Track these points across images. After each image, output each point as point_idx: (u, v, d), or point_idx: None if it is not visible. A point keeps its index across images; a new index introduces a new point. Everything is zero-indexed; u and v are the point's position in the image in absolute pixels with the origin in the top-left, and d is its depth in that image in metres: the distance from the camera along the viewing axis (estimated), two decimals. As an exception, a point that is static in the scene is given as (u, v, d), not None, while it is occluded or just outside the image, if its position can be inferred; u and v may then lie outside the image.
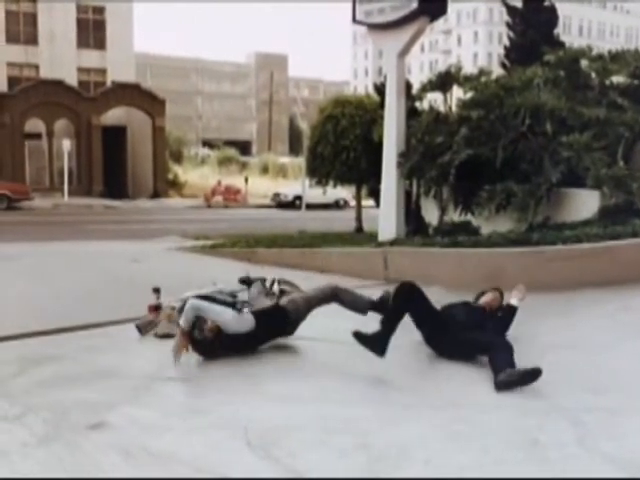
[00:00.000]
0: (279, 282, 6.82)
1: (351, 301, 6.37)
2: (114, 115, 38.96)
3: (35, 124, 36.97)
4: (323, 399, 4.82)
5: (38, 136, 37.44)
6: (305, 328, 6.22)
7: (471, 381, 5.15)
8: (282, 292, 6.59)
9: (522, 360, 5.10)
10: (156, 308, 6.64)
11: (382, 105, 13.08)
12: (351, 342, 5.44)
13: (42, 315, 7.54)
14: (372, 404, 4.74)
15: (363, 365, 5.48)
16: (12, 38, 40.28)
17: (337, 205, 36.87)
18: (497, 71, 15.70)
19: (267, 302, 6.24)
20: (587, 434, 4.08)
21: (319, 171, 16.70)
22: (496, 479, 3.56)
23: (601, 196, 9.86)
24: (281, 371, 5.52)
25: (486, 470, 3.64)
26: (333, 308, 6.29)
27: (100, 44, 42.34)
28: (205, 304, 5.73)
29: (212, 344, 5.70)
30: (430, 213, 12.35)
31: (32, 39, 40.75)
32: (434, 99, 12.87)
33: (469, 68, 15.37)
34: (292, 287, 6.81)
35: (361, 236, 14.91)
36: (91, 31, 42.32)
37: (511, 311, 6.16)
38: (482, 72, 12.51)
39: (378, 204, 13.38)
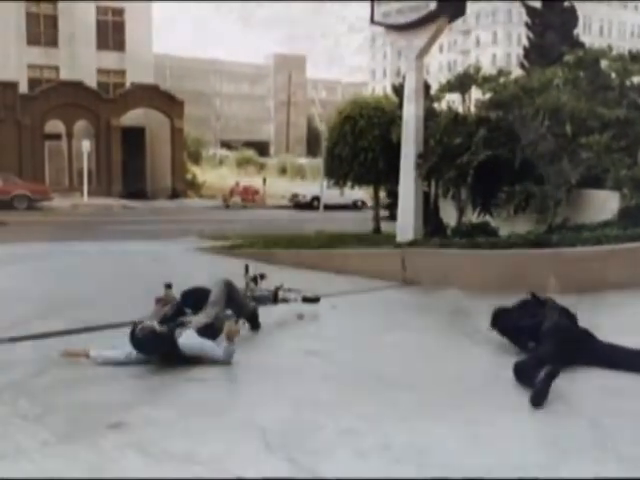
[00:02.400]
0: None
1: (239, 303, 6.69)
2: (133, 116, 39.03)
3: (55, 125, 37.10)
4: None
5: (58, 137, 37.56)
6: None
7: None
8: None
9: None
10: (161, 300, 6.69)
11: (400, 106, 13.05)
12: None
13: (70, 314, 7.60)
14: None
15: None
16: (33, 40, 40.42)
17: (355, 206, 36.79)
18: (516, 72, 15.64)
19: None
20: None
21: (337, 172, 16.65)
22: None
23: (621, 197, 9.81)
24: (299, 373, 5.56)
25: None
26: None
27: (119, 46, 42.42)
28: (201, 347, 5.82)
29: None
30: (448, 214, 12.32)
31: (52, 41, 40.86)
32: (452, 100, 12.84)
33: (488, 69, 15.31)
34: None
35: (379, 237, 14.86)
36: (110, 33, 42.42)
37: None
38: (501, 73, 12.47)
39: (392, 211, 13.32)
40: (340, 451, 3.92)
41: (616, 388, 4.94)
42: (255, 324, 6.92)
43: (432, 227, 12.13)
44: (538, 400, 4.58)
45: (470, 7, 12.84)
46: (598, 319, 6.14)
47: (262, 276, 7.94)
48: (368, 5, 12.22)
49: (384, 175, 15.40)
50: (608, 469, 3.67)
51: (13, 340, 6.52)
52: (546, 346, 5.34)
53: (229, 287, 6.56)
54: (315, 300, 7.98)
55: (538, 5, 21.99)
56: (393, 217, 12.88)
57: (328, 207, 24.49)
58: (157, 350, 5.65)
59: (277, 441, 4.04)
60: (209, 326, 5.99)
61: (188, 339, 5.68)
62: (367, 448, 3.94)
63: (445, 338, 6.70)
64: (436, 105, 13.26)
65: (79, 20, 41.07)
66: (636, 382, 5.06)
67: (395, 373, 5.47)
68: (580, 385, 4.99)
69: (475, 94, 12.39)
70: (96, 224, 24.67)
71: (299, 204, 37.86)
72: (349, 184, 17.02)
